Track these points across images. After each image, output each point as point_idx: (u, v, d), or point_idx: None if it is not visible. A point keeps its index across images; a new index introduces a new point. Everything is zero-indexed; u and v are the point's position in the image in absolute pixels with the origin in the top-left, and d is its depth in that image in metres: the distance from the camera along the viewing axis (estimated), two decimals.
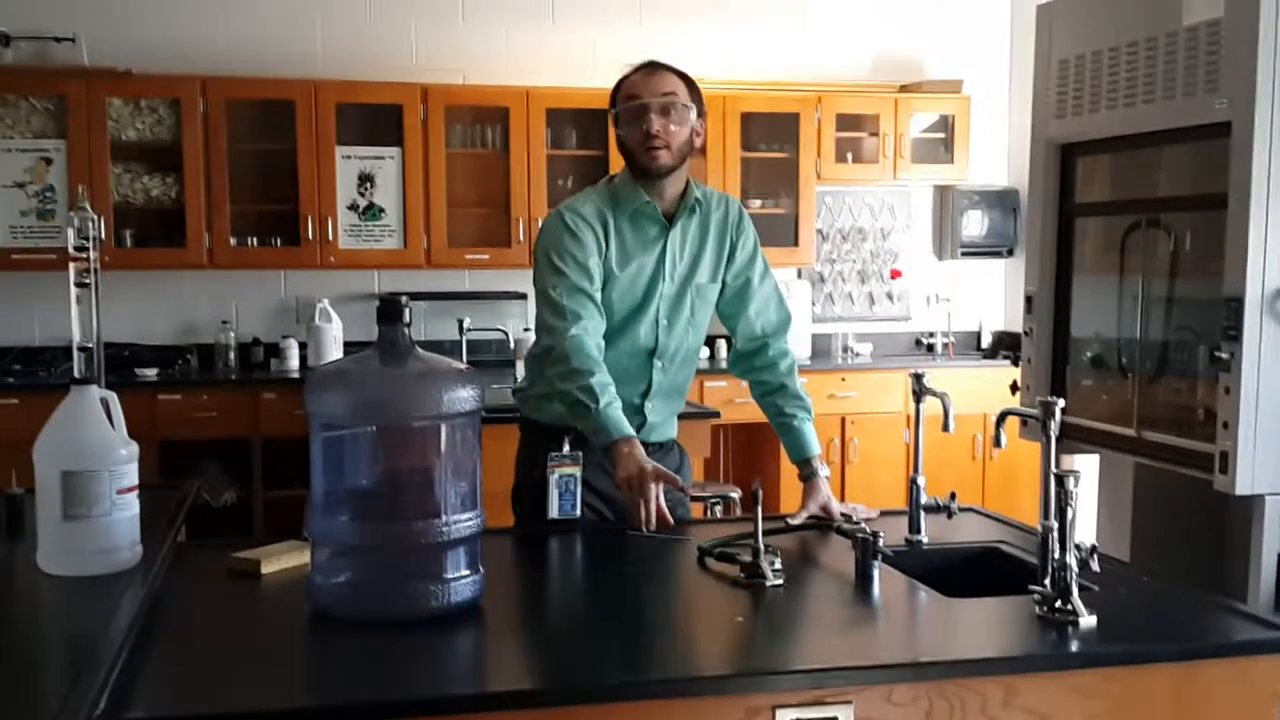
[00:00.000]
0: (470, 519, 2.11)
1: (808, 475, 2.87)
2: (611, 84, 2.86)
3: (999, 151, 7.12)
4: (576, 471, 2.76)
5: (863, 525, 2.62)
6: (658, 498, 2.61)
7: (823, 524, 2.77)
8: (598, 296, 2.78)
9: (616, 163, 2.85)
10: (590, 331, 2.73)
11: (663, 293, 2.85)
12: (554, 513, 2.74)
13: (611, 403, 2.67)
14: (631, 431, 2.68)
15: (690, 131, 2.80)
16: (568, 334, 2.70)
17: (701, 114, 2.84)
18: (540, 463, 2.77)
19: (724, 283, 2.94)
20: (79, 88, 5.86)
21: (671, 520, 2.65)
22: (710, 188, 2.99)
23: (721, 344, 6.42)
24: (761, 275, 2.97)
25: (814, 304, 6.97)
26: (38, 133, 5.87)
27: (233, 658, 1.96)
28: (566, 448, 2.79)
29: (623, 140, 2.82)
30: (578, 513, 2.76)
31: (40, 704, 1.66)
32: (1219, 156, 3.00)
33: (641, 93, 2.77)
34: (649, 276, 2.84)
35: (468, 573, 2.11)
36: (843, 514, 2.78)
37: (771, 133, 6.70)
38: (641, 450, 2.66)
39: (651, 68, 2.81)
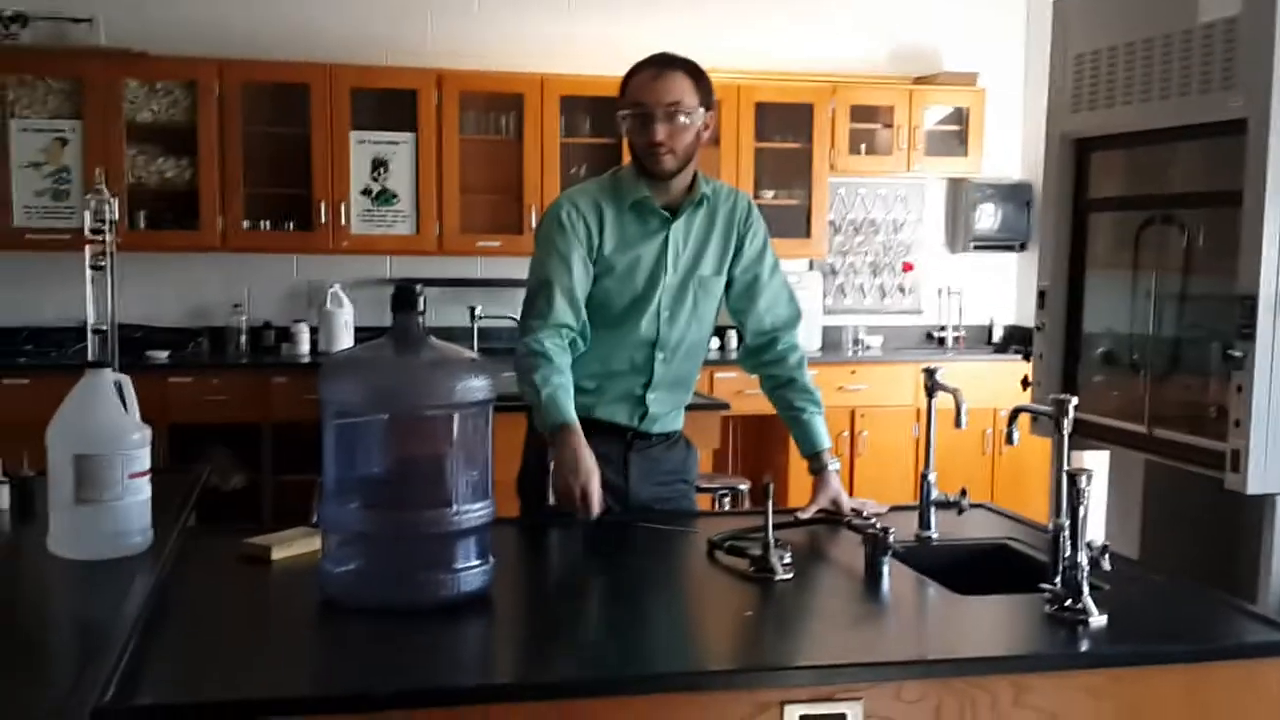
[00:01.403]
0: (481, 508, 2.11)
1: (818, 469, 2.86)
2: (626, 72, 2.81)
3: (1013, 145, 7.08)
4: None
5: (872, 520, 2.62)
6: (592, 493, 2.59)
7: (832, 518, 2.77)
8: (577, 291, 2.76)
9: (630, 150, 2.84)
10: (550, 327, 2.72)
11: (664, 284, 2.83)
12: (554, 499, 2.72)
13: (555, 391, 2.65)
14: (573, 418, 2.65)
15: (697, 132, 2.77)
16: (528, 330, 2.74)
17: (711, 106, 2.81)
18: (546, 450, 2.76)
19: (732, 277, 2.92)
20: (95, 69, 5.86)
21: (600, 509, 2.61)
22: (721, 181, 2.97)
23: (732, 335, 6.40)
24: (771, 270, 2.96)
25: (825, 296, 6.95)
26: (53, 113, 5.86)
27: (242, 644, 1.96)
28: None
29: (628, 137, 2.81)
30: None
31: (49, 689, 1.67)
32: (1234, 153, 2.98)
33: (647, 99, 2.72)
34: (650, 268, 2.83)
35: (478, 562, 2.12)
36: (852, 509, 2.78)
37: (785, 123, 6.67)
38: (582, 440, 2.63)
39: (659, 68, 2.75)
